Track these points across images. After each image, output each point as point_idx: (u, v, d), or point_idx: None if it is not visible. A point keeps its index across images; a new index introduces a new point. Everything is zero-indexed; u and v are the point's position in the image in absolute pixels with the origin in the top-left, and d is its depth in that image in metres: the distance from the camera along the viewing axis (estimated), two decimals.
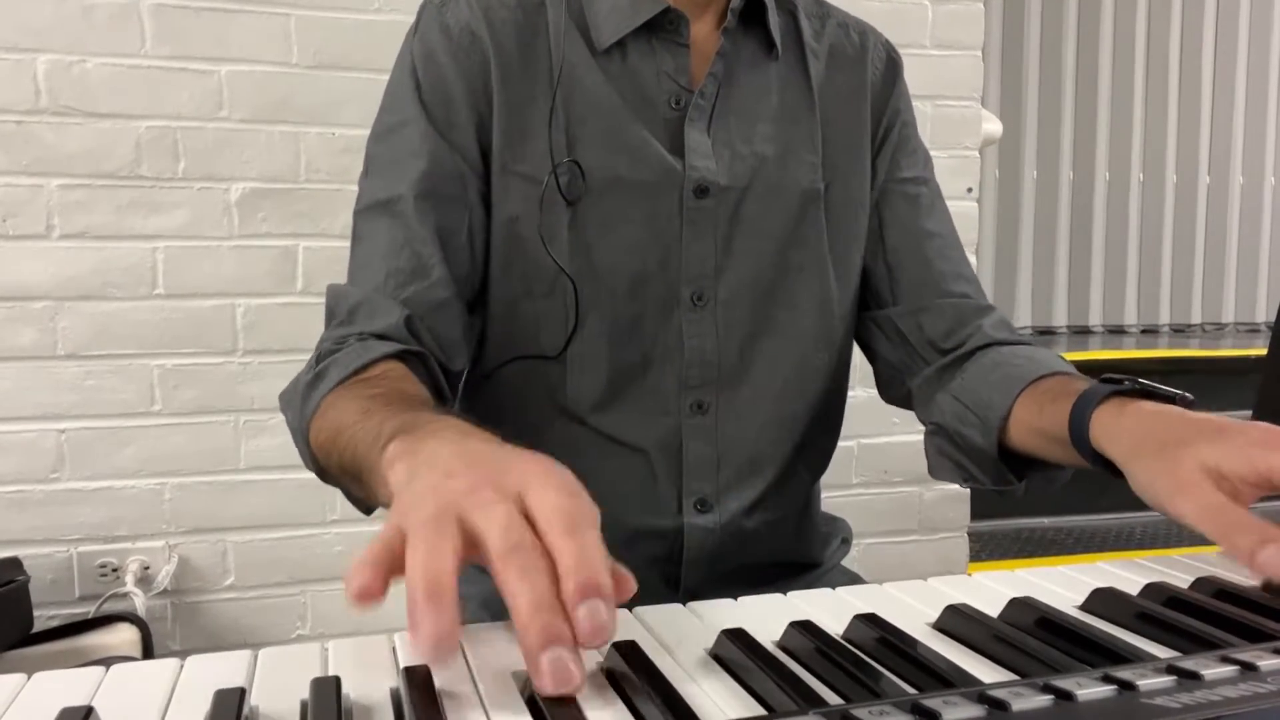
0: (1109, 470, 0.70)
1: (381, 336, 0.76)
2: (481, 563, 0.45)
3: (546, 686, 0.40)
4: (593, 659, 0.48)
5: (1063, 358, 0.84)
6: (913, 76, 0.97)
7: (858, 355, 0.97)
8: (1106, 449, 0.69)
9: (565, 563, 0.43)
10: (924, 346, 0.90)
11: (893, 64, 0.95)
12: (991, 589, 0.57)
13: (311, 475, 0.77)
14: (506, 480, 0.46)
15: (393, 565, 0.45)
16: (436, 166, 0.81)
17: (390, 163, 0.83)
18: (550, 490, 0.46)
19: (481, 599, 0.90)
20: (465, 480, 0.47)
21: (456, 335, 0.81)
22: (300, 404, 0.74)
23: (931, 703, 0.39)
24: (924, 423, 0.91)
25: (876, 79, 0.93)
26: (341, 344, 0.75)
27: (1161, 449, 0.63)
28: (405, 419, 0.59)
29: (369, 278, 0.80)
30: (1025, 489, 0.84)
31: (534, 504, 0.45)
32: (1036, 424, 0.77)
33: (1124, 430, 0.67)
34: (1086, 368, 0.82)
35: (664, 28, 0.84)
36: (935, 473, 0.90)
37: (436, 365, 0.78)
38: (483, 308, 0.86)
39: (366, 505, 0.76)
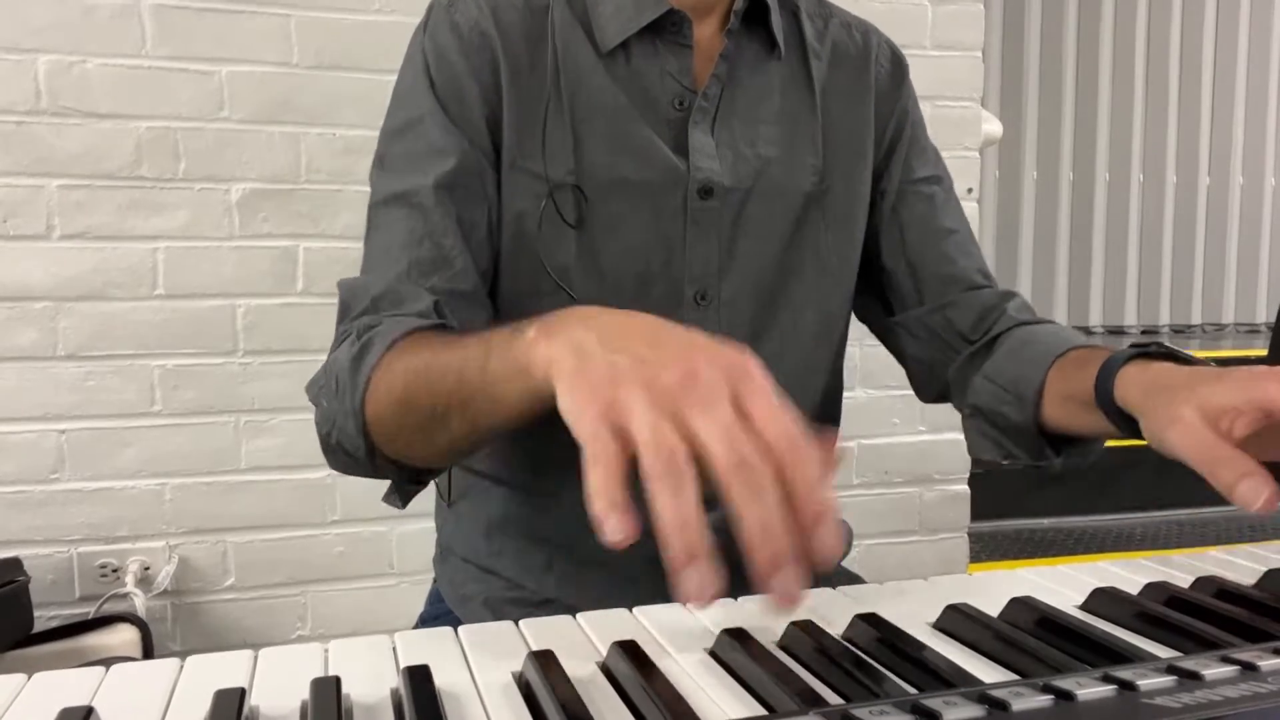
0: (1130, 428, 0.70)
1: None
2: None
3: (781, 604, 0.42)
4: (593, 659, 0.48)
5: (1082, 334, 0.86)
6: (913, 77, 0.97)
7: (856, 356, 0.97)
8: (1126, 402, 0.70)
9: (802, 482, 0.43)
10: (954, 339, 0.92)
11: (898, 64, 0.95)
12: (992, 590, 0.57)
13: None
14: (715, 373, 0.45)
15: (623, 469, 0.42)
16: (456, 160, 0.80)
17: (407, 157, 0.82)
18: (765, 396, 0.45)
19: (483, 598, 0.90)
20: (670, 366, 0.45)
21: (483, 327, 0.80)
22: (349, 379, 0.70)
23: (932, 703, 0.39)
24: (960, 409, 0.92)
25: (882, 79, 0.94)
26: (377, 321, 0.73)
27: (1163, 392, 0.65)
28: (522, 323, 0.55)
29: (389, 267, 0.78)
30: (1062, 464, 0.85)
31: (753, 409, 0.44)
32: (1066, 391, 0.78)
33: (1142, 384, 0.69)
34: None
35: (667, 29, 0.84)
36: (976, 452, 0.91)
37: None
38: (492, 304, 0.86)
39: (410, 490, 0.74)
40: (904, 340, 0.95)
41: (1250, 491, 0.56)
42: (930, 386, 0.96)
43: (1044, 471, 0.85)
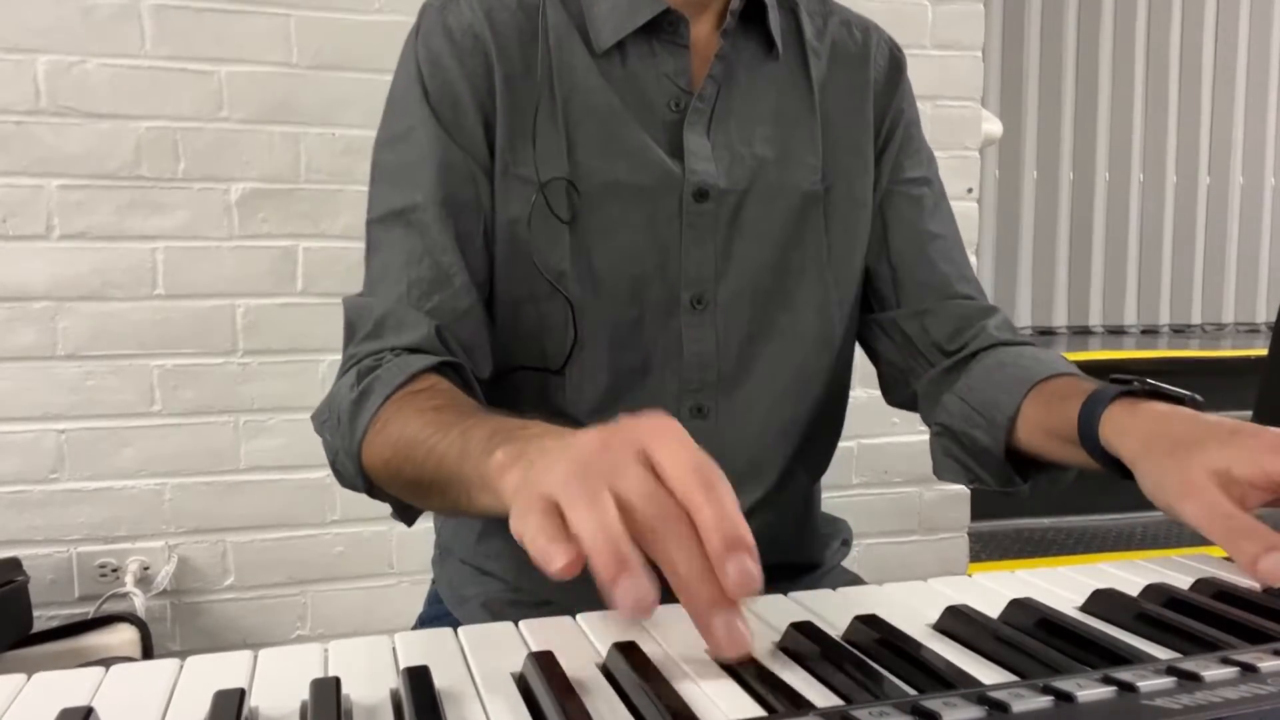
0: (1118, 470, 0.70)
1: (414, 349, 0.75)
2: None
3: (724, 651, 0.44)
4: (593, 659, 0.48)
5: (1066, 359, 0.84)
6: (913, 76, 0.96)
7: (859, 356, 0.97)
8: (1116, 448, 0.69)
9: (706, 522, 0.44)
10: (929, 348, 0.90)
11: (896, 62, 0.94)
12: (991, 590, 0.57)
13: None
14: (628, 437, 0.47)
15: (564, 530, 0.45)
16: (450, 171, 0.80)
17: (402, 169, 0.82)
18: (673, 444, 0.47)
19: (482, 599, 0.90)
20: (589, 446, 0.48)
21: (483, 342, 0.81)
22: (348, 423, 0.73)
23: (932, 704, 0.39)
24: (929, 424, 0.91)
25: (879, 77, 0.93)
26: (379, 361, 0.75)
27: (1172, 450, 0.63)
28: (496, 425, 0.60)
29: (390, 289, 0.79)
30: (1030, 490, 0.84)
31: (661, 461, 0.46)
32: (1045, 423, 0.77)
33: (1134, 430, 0.68)
34: (1087, 368, 0.82)
35: (663, 29, 0.84)
36: (940, 474, 0.90)
37: (470, 373, 0.78)
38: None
39: (413, 514, 0.76)
40: (878, 340, 0.94)
41: (1274, 567, 0.56)
42: (899, 390, 0.95)
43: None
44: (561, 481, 0.46)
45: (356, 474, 0.73)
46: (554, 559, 0.44)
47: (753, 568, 0.43)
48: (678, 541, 0.44)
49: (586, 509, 0.44)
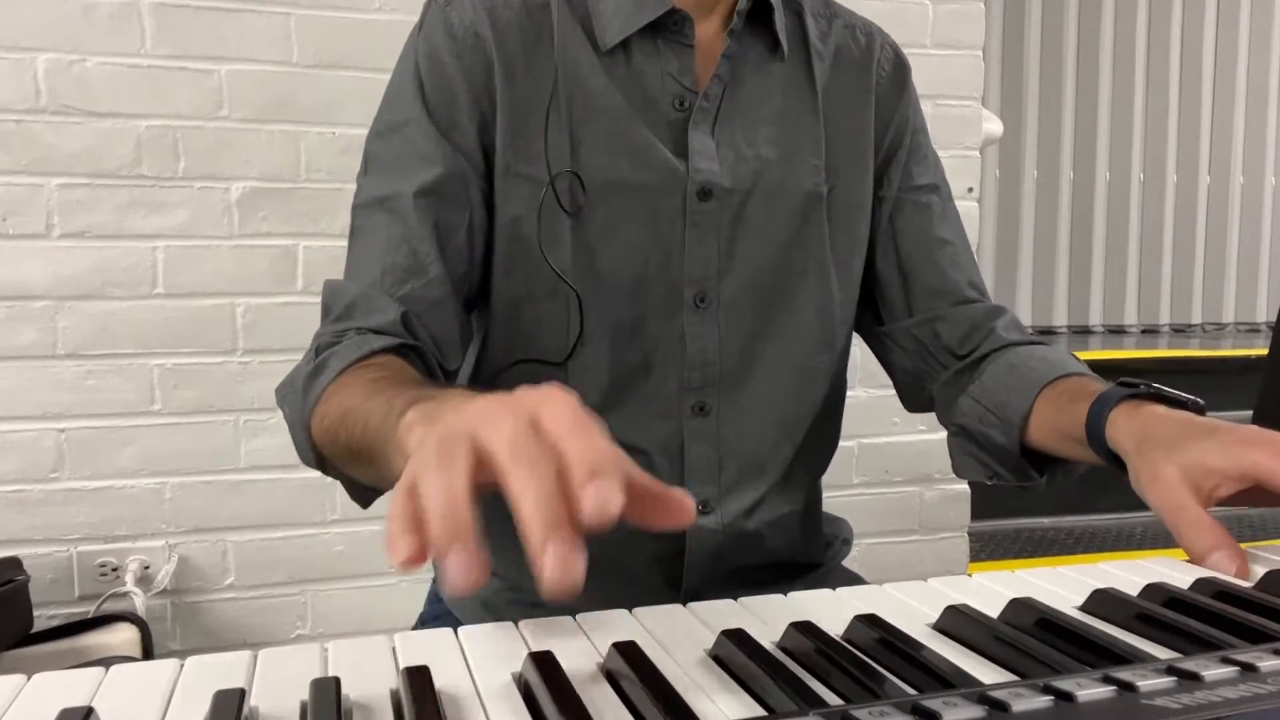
0: (1123, 469, 0.72)
1: (378, 332, 0.76)
2: (493, 483, 0.42)
3: (548, 578, 0.38)
4: (593, 659, 0.48)
5: (1075, 356, 0.87)
6: (914, 76, 0.96)
7: (857, 356, 0.97)
8: (1118, 448, 0.72)
9: (572, 454, 0.41)
10: (941, 353, 0.92)
11: (900, 68, 0.95)
12: (991, 590, 0.57)
13: (312, 475, 0.77)
14: (518, 404, 0.44)
15: (420, 516, 0.42)
16: (438, 166, 0.81)
17: (390, 160, 0.83)
18: (562, 405, 0.44)
19: (481, 599, 0.90)
20: (478, 410, 0.45)
21: (453, 334, 0.81)
22: (301, 396, 0.74)
23: (932, 703, 0.39)
24: (946, 425, 0.93)
25: (883, 83, 0.93)
26: (340, 338, 0.75)
27: (1155, 447, 0.67)
28: (420, 392, 0.58)
29: (365, 274, 0.80)
30: (1047, 484, 0.88)
31: (542, 415, 0.43)
32: (1055, 424, 0.80)
33: (1133, 431, 0.71)
34: (1088, 368, 0.83)
35: (669, 28, 0.84)
36: (960, 472, 0.92)
37: (434, 360, 0.78)
38: (485, 308, 0.86)
39: (366, 495, 0.75)
40: (891, 351, 0.96)
41: (1220, 562, 0.60)
42: (916, 397, 0.97)
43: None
44: (427, 446, 0.44)
45: (308, 446, 0.74)
46: (393, 552, 0.41)
47: (615, 493, 0.39)
48: (529, 470, 0.40)
49: (436, 472, 0.42)
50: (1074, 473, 0.86)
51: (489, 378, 0.87)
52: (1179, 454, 0.65)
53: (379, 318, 0.77)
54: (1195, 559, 0.62)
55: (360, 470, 0.69)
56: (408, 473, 0.44)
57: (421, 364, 0.77)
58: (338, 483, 0.77)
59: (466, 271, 0.83)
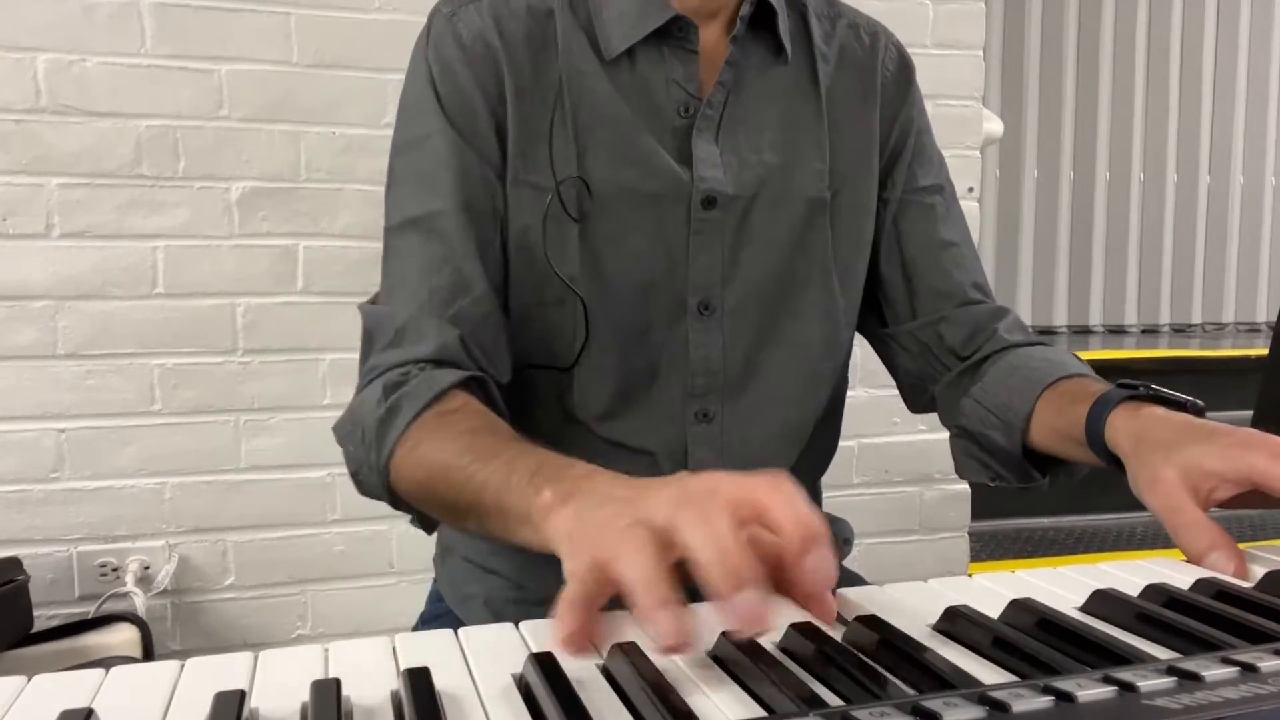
0: (1122, 470, 0.73)
1: (436, 360, 0.75)
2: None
3: (737, 625, 0.45)
4: (593, 660, 0.48)
5: (1076, 356, 0.87)
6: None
7: (858, 356, 0.97)
8: (1117, 450, 0.73)
9: (779, 516, 0.48)
10: (944, 354, 0.92)
11: (904, 68, 0.95)
12: (991, 590, 0.57)
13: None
14: (708, 485, 0.49)
15: (591, 602, 0.48)
16: (468, 178, 0.80)
17: (419, 176, 0.82)
18: (784, 503, 0.48)
19: (484, 597, 0.90)
20: (653, 504, 0.49)
21: (503, 348, 0.81)
22: (375, 439, 0.73)
23: (932, 704, 0.39)
24: (948, 426, 0.93)
25: (888, 83, 0.93)
26: (405, 375, 0.74)
27: (1153, 449, 0.68)
28: (540, 460, 0.61)
29: (409, 297, 0.79)
30: (1049, 485, 0.88)
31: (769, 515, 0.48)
32: (1056, 425, 0.80)
33: (1132, 432, 0.71)
34: (1090, 369, 0.84)
35: (673, 35, 0.83)
36: (962, 473, 0.93)
37: (494, 385, 0.78)
38: None
39: (434, 526, 0.77)
40: (895, 353, 0.96)
41: (1218, 562, 0.61)
42: (919, 398, 0.97)
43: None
44: (613, 533, 0.48)
45: (382, 489, 0.74)
46: (560, 625, 0.47)
47: (830, 558, 0.46)
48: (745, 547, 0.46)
49: (699, 528, 0.46)
50: (1076, 474, 0.86)
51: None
52: (1177, 456, 0.65)
53: (432, 341, 0.76)
54: (1192, 559, 0.62)
55: (457, 522, 0.70)
56: (581, 566, 0.49)
57: (485, 397, 0.76)
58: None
59: (503, 281, 0.83)
